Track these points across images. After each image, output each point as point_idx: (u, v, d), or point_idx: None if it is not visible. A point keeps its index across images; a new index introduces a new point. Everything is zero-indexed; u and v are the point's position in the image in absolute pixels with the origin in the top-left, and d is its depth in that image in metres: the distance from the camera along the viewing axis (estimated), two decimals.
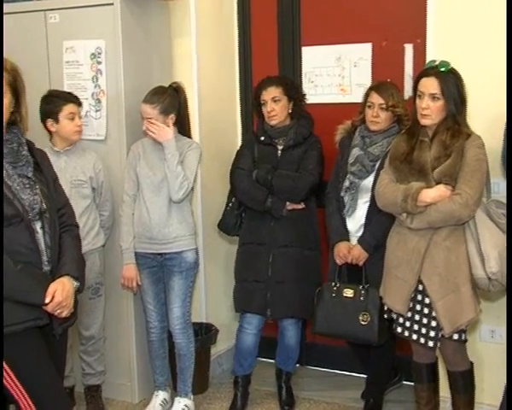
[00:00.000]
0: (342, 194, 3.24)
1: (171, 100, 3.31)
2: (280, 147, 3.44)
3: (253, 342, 3.54)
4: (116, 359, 3.71)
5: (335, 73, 3.81)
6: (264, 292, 3.41)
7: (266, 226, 3.42)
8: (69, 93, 3.42)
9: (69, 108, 3.33)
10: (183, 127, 3.41)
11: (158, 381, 3.63)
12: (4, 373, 2.27)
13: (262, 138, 3.47)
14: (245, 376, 3.61)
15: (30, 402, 2.29)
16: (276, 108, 3.38)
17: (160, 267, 3.45)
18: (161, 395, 3.62)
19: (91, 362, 3.57)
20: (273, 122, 3.41)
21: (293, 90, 3.45)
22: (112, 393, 3.74)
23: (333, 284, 3.25)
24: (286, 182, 3.34)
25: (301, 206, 3.41)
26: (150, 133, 3.26)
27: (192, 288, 3.51)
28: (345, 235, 3.27)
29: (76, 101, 3.38)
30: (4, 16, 3.60)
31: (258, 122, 3.61)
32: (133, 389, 3.74)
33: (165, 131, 3.24)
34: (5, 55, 2.36)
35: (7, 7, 3.57)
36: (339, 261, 3.26)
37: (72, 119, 3.34)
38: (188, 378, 3.55)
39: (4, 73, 2.27)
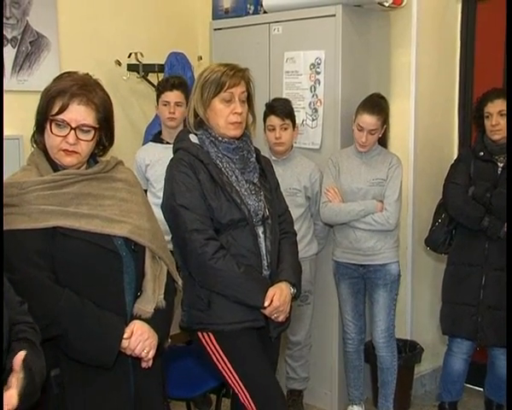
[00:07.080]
0: None
1: (387, 112, 3.37)
2: (501, 164, 3.27)
3: (462, 368, 3.41)
4: (319, 366, 3.73)
5: None
6: (475, 317, 3.26)
7: (480, 247, 3.27)
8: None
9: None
10: (384, 139, 3.42)
11: (352, 394, 3.60)
12: (224, 367, 2.39)
13: (481, 154, 3.31)
14: (452, 403, 3.47)
15: (247, 394, 2.38)
16: (501, 122, 3.23)
17: (360, 279, 3.43)
18: None
19: (296, 367, 3.63)
20: (496, 137, 3.26)
21: None
22: (312, 399, 3.78)
23: None
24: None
25: None
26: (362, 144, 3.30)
27: (396, 300, 3.45)
28: None
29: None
30: (233, 30, 3.80)
31: (477, 136, 3.45)
32: (333, 398, 3.73)
33: None
34: (237, 62, 2.45)
35: (236, 21, 3.80)
36: None
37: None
38: (390, 394, 3.48)
39: (241, 87, 2.39)
